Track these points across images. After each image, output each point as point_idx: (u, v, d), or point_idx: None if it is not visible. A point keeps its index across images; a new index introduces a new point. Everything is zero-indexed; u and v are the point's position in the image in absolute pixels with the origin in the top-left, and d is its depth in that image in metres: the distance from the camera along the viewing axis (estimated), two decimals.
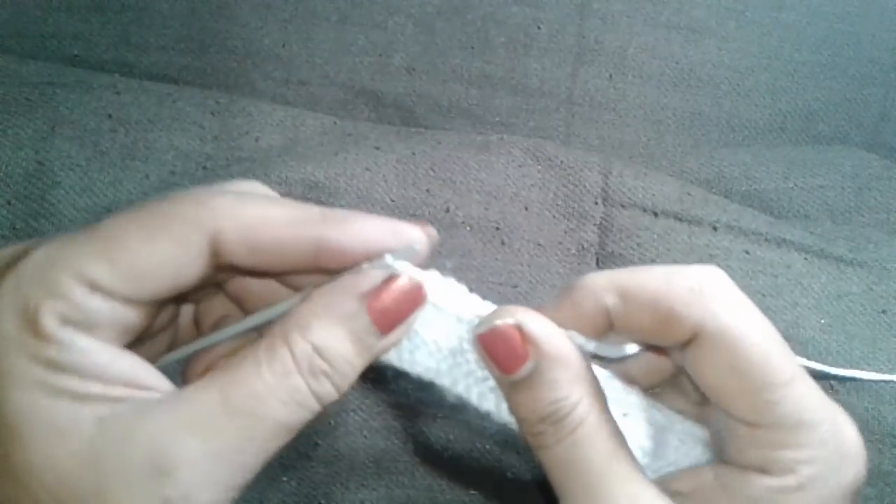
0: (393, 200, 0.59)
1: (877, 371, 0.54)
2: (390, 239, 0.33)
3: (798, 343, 0.54)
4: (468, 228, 0.59)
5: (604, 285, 0.34)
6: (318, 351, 0.31)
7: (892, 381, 0.54)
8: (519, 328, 0.33)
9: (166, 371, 0.33)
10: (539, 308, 0.35)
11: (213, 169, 0.59)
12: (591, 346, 0.35)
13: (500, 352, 0.33)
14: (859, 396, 0.55)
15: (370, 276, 0.33)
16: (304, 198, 0.58)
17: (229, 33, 0.71)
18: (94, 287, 0.30)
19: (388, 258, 0.33)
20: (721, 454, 0.35)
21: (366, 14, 0.72)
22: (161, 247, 0.31)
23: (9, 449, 0.29)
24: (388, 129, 0.67)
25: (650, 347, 0.37)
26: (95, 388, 0.29)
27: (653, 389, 0.39)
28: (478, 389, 0.36)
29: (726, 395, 0.33)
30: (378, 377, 0.56)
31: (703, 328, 0.32)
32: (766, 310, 0.57)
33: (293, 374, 0.31)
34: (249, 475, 0.31)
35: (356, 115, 0.73)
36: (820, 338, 0.55)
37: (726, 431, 0.34)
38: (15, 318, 0.29)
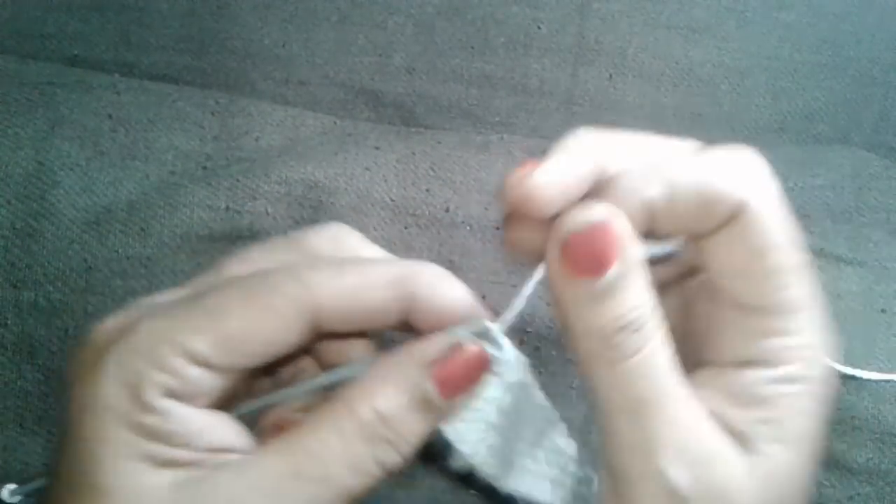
0: (393, 200, 0.59)
1: (876, 370, 0.54)
2: (472, 309, 0.34)
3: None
4: (468, 228, 0.59)
5: (646, 176, 0.32)
6: (381, 419, 0.32)
7: (891, 381, 0.54)
8: (612, 225, 0.31)
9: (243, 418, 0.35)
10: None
11: (213, 169, 0.59)
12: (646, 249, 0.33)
13: (592, 251, 0.30)
14: (859, 396, 0.55)
15: (436, 343, 0.33)
16: (304, 198, 0.58)
17: (229, 33, 0.71)
18: (196, 360, 0.31)
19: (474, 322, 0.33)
20: (702, 353, 0.34)
21: (366, 14, 0.72)
22: (263, 325, 0.32)
23: None
24: (388, 129, 0.67)
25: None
26: (181, 453, 0.31)
27: None
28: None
29: (741, 278, 0.33)
30: None
31: (744, 209, 0.32)
32: None
33: (356, 441, 0.32)
34: None
35: (356, 115, 0.73)
36: None
37: (719, 329, 0.34)
38: (118, 389, 0.30)
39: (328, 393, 0.37)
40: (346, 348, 0.38)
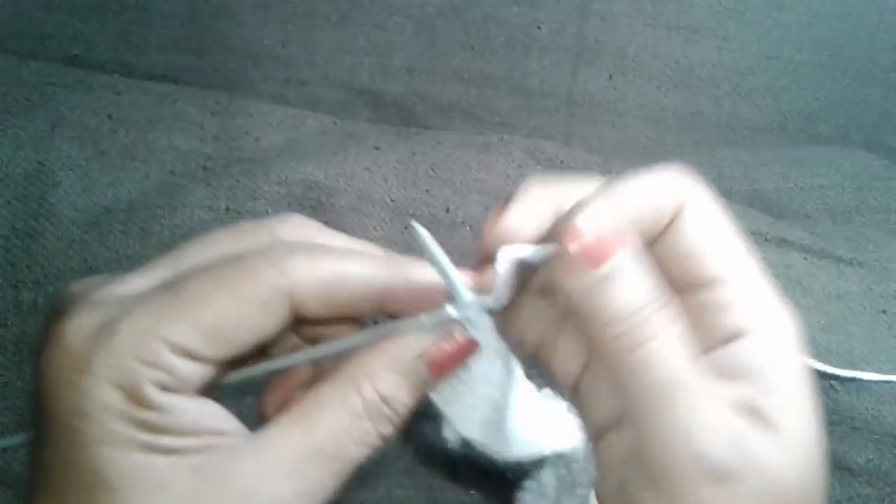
0: (393, 200, 0.59)
1: (877, 371, 0.54)
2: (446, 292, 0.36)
3: None
4: (468, 228, 0.59)
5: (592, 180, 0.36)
6: (384, 400, 0.35)
7: (892, 382, 0.54)
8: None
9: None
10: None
11: (213, 169, 0.59)
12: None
13: (596, 239, 0.33)
14: (859, 396, 0.55)
15: (431, 333, 0.36)
16: (304, 198, 0.58)
17: (229, 33, 0.71)
18: (183, 353, 0.32)
19: (448, 309, 0.35)
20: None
21: (366, 14, 0.72)
22: (244, 312, 0.33)
23: None
24: (388, 129, 0.67)
25: None
26: (188, 441, 0.32)
27: None
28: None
29: (697, 261, 0.34)
30: None
31: (685, 207, 0.35)
32: None
33: (365, 419, 0.34)
34: None
35: (356, 115, 0.73)
36: (820, 338, 0.55)
37: (691, 318, 0.35)
38: (113, 390, 0.31)
39: (319, 366, 0.40)
40: (330, 330, 0.40)
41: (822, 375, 0.54)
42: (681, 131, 0.75)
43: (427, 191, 0.59)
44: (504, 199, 0.37)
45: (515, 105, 0.74)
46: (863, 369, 0.54)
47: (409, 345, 0.36)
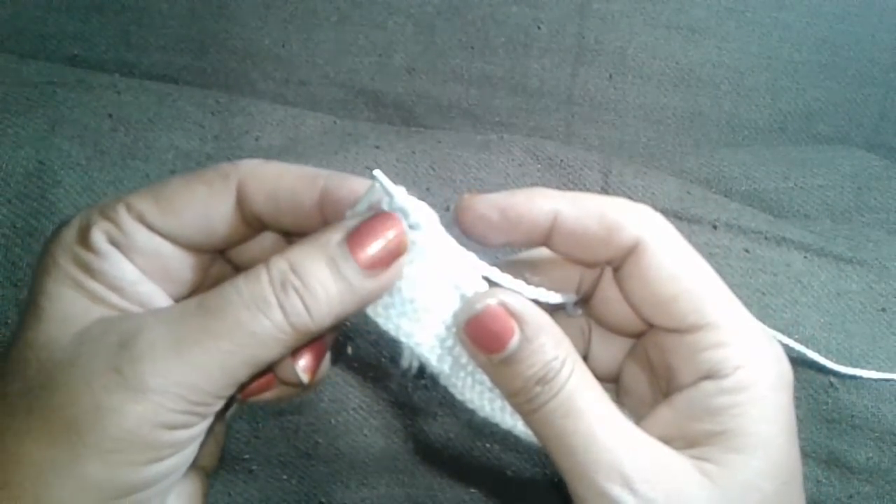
0: None
1: (876, 369, 0.54)
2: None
3: (798, 341, 0.54)
4: None
5: (557, 192, 0.38)
6: (292, 267, 0.34)
7: (891, 380, 0.54)
8: (503, 306, 0.35)
9: None
10: (496, 194, 0.37)
11: None
12: (533, 293, 0.38)
13: (489, 333, 0.35)
14: (859, 394, 0.55)
15: (357, 217, 0.36)
16: None
17: (229, 33, 0.71)
18: (140, 217, 0.36)
19: (349, 213, 0.36)
20: (670, 386, 0.38)
21: (366, 14, 0.72)
22: (195, 188, 0.37)
23: (27, 325, 0.35)
24: (388, 129, 0.67)
25: (584, 302, 0.41)
26: (113, 297, 0.35)
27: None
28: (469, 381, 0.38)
29: (661, 305, 0.37)
30: (377, 375, 0.57)
31: (643, 239, 0.37)
32: (765, 308, 0.58)
33: (264, 284, 0.33)
34: (210, 384, 0.33)
35: (356, 115, 0.73)
36: (820, 336, 0.55)
37: (669, 356, 0.38)
38: (74, 232, 0.36)
39: None
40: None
41: (822, 372, 0.54)
42: (681, 131, 0.75)
43: (427, 189, 0.60)
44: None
45: (515, 105, 0.74)
46: (862, 367, 0.54)
47: (335, 225, 0.36)
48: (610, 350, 0.43)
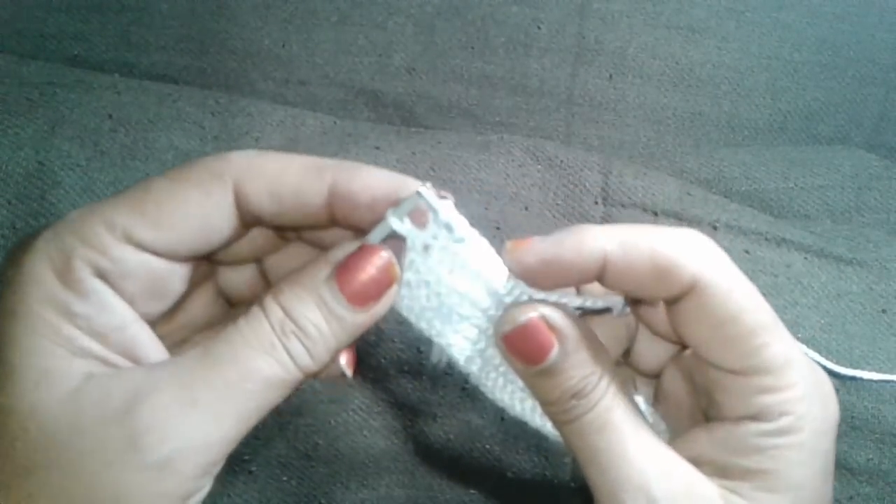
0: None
1: (876, 370, 0.54)
2: (396, 188, 0.34)
3: (798, 342, 0.55)
4: None
5: (605, 232, 0.35)
6: (285, 311, 0.33)
7: (892, 381, 0.54)
8: (544, 319, 0.35)
9: None
10: (542, 241, 0.35)
11: None
12: (579, 301, 0.37)
13: (529, 346, 0.35)
14: (859, 396, 0.55)
15: (344, 248, 0.34)
16: None
17: (229, 33, 0.71)
18: (127, 237, 0.32)
19: (393, 221, 0.34)
20: (711, 412, 0.37)
21: (366, 14, 0.72)
22: (188, 195, 0.33)
23: (3, 389, 0.30)
24: (388, 129, 0.67)
25: (634, 303, 0.40)
26: (95, 346, 0.31)
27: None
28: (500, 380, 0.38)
29: (718, 345, 0.35)
30: (378, 377, 0.57)
31: (701, 278, 0.34)
32: None
33: (267, 330, 0.32)
34: (225, 436, 0.32)
35: (356, 115, 0.73)
36: (820, 337, 0.55)
37: (715, 387, 0.36)
38: (48, 264, 0.30)
39: None
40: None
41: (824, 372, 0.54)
42: (681, 131, 0.75)
43: None
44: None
45: (515, 105, 0.74)
46: (863, 369, 0.54)
47: (323, 259, 0.34)
48: (655, 350, 0.42)
